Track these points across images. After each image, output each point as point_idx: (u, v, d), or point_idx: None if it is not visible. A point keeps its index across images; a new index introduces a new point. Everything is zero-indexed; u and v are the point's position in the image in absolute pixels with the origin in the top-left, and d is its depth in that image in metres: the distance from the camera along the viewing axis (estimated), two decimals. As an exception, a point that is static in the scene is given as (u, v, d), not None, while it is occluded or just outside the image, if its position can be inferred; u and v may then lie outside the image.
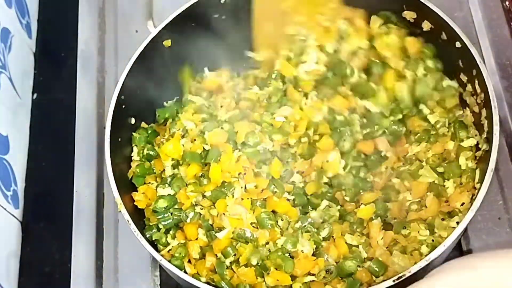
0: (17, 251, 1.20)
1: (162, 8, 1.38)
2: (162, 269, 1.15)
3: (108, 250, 1.17)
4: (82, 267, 1.16)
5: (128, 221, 1.00)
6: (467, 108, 1.10)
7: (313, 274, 0.99)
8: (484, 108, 1.03)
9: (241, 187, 1.05)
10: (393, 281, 0.88)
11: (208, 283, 1.00)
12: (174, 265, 0.99)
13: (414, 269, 0.89)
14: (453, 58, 1.09)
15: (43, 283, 1.19)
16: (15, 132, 1.26)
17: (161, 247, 1.07)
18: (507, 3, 1.28)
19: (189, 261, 1.05)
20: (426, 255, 0.91)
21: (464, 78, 1.08)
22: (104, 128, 1.15)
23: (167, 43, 1.15)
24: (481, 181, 0.95)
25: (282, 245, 1.01)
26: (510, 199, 1.13)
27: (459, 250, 1.10)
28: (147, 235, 1.07)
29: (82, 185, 1.22)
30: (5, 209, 1.17)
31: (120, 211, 1.02)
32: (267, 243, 1.02)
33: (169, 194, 1.08)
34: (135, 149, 1.13)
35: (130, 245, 1.17)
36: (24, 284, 1.18)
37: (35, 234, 1.23)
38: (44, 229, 1.23)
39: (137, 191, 1.09)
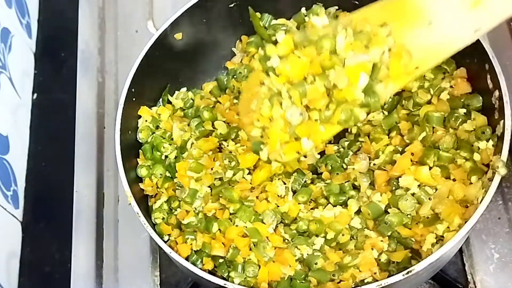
0: (17, 251, 1.20)
1: (162, 8, 1.38)
2: (162, 269, 1.16)
3: (108, 250, 1.17)
4: (82, 267, 1.16)
5: (138, 213, 1.00)
6: None
7: None
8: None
9: None
10: (403, 275, 0.89)
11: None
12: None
13: (423, 264, 0.89)
14: (465, 53, 1.08)
15: (43, 283, 1.19)
16: (15, 132, 1.26)
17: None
18: (507, 3, 1.28)
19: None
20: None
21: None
22: (104, 128, 1.16)
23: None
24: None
25: None
26: (510, 199, 1.13)
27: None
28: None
29: (82, 185, 1.23)
30: (5, 209, 1.17)
31: (130, 204, 1.01)
32: None
33: None
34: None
35: (130, 245, 1.17)
36: (24, 284, 1.18)
37: (35, 234, 1.23)
38: (44, 229, 1.23)
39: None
